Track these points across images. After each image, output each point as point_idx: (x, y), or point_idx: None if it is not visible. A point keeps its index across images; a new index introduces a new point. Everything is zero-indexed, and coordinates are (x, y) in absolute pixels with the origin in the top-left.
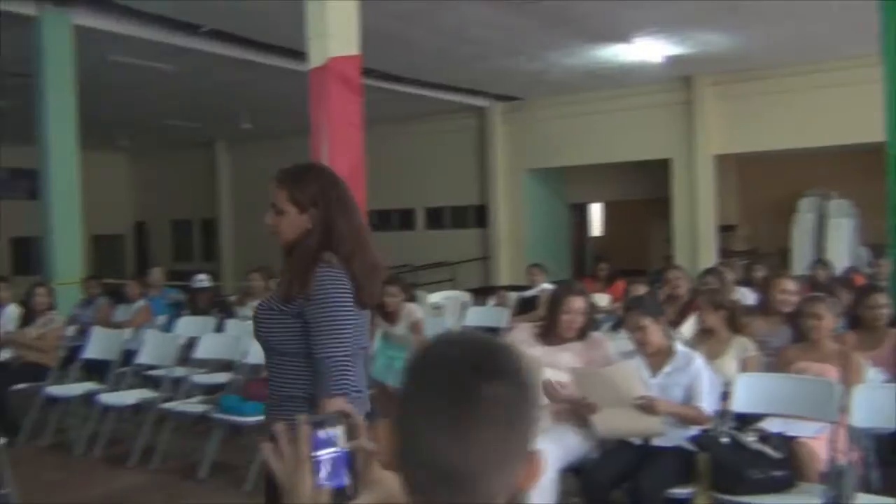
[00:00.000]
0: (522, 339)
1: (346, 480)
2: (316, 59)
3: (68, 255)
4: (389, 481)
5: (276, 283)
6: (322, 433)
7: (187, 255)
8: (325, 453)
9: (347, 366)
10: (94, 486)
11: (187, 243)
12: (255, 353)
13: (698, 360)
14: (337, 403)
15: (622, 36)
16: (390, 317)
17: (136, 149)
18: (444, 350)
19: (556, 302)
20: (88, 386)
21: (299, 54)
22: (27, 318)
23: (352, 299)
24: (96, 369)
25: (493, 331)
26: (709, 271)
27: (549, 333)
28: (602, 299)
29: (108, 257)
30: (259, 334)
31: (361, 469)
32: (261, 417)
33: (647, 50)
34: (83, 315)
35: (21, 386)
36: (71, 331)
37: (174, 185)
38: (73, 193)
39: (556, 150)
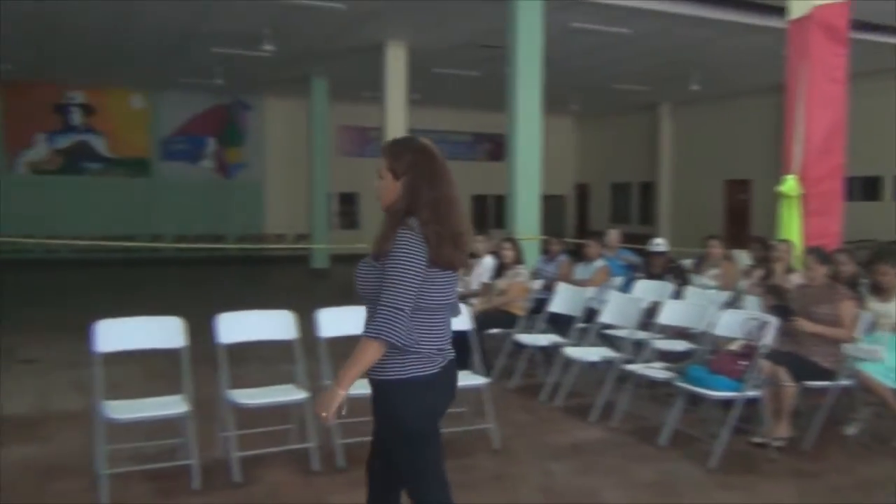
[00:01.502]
0: None
1: None
2: (798, 8)
3: (528, 213)
4: None
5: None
6: None
7: (625, 218)
8: None
9: (396, 316)
10: (556, 434)
11: (625, 206)
12: (723, 325)
13: None
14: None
15: None
16: (882, 293)
17: (583, 113)
18: None
19: None
20: (553, 338)
21: (766, 8)
22: (499, 270)
23: (423, 261)
24: (559, 323)
25: None
26: None
27: None
28: None
29: (550, 217)
30: (357, 286)
31: None
32: (728, 393)
33: None
34: (546, 270)
35: (494, 331)
36: (537, 285)
37: (616, 149)
38: (535, 156)
39: None
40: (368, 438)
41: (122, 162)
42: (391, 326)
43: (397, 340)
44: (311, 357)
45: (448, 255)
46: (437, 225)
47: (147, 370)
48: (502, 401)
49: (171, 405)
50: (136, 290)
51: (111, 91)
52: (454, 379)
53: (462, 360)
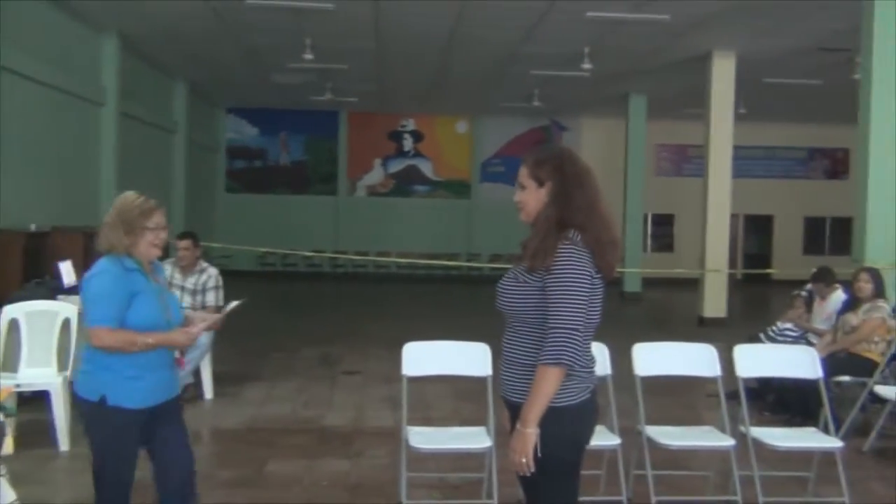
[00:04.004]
0: None
1: None
2: None
3: (882, 238)
4: None
5: (520, 254)
6: None
7: None
8: None
9: (572, 338)
10: None
11: None
12: None
13: None
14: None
15: None
16: None
17: None
18: None
19: None
20: None
21: None
22: (851, 305)
23: (590, 275)
24: None
25: None
26: None
27: None
28: None
29: None
30: (501, 302)
31: None
32: None
33: None
34: None
35: (843, 378)
36: None
37: None
38: (891, 173)
39: None
40: (687, 498)
41: (446, 184)
42: (569, 349)
43: (574, 363)
44: (627, 394)
45: (611, 262)
46: (596, 229)
47: (456, 390)
48: (855, 466)
49: (475, 438)
50: (451, 306)
51: (438, 118)
52: (597, 407)
53: (808, 413)
